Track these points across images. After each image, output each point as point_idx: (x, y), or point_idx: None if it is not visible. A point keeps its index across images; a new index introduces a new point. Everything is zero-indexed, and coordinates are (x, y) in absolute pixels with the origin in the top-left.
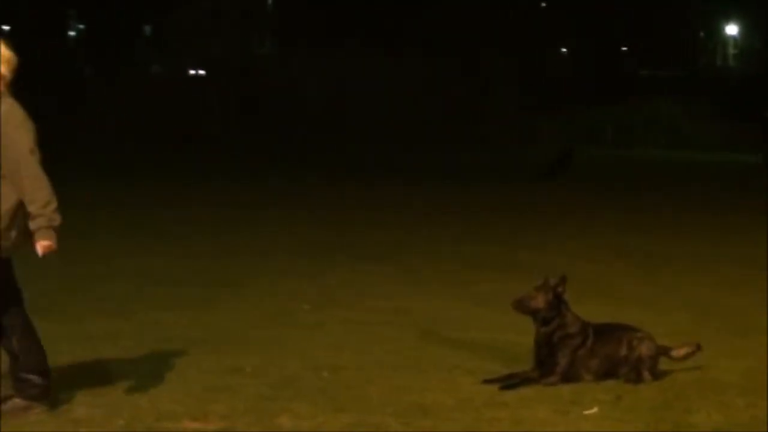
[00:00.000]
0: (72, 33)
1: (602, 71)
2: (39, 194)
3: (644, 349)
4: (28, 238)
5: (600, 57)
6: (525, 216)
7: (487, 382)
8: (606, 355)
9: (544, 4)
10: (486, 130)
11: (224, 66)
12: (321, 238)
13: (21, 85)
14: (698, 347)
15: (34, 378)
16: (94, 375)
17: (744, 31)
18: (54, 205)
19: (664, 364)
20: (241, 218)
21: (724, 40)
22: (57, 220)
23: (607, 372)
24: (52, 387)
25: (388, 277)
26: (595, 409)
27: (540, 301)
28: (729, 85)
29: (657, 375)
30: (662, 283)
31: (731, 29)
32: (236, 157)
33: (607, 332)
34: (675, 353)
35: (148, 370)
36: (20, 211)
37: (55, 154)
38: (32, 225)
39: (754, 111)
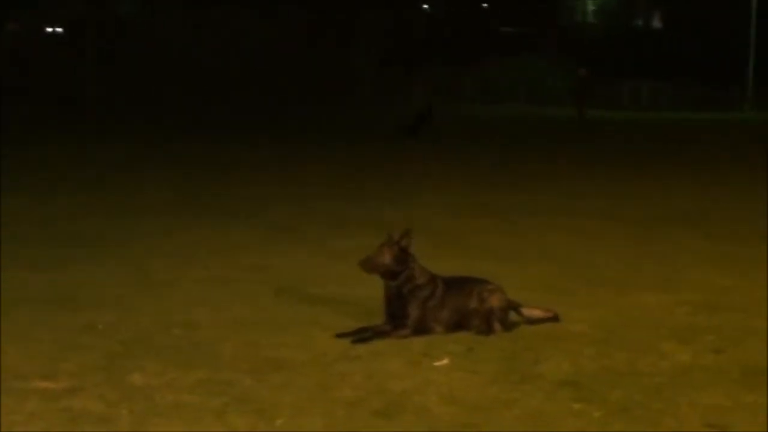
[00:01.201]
0: None
1: (464, 29)
2: None
3: (495, 301)
4: None
5: (461, 15)
6: (386, 173)
7: (340, 336)
8: (456, 306)
9: None
10: (349, 88)
11: (83, 24)
12: (181, 196)
13: None
14: (555, 317)
15: None
16: None
17: None
18: None
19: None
20: (101, 178)
21: None
22: None
23: (459, 324)
24: None
25: (248, 233)
26: (446, 361)
27: (386, 257)
28: (588, 41)
29: (508, 326)
30: (523, 236)
31: None
32: (98, 117)
33: (457, 284)
34: (526, 312)
35: None
36: None
37: None
38: None
39: (614, 66)
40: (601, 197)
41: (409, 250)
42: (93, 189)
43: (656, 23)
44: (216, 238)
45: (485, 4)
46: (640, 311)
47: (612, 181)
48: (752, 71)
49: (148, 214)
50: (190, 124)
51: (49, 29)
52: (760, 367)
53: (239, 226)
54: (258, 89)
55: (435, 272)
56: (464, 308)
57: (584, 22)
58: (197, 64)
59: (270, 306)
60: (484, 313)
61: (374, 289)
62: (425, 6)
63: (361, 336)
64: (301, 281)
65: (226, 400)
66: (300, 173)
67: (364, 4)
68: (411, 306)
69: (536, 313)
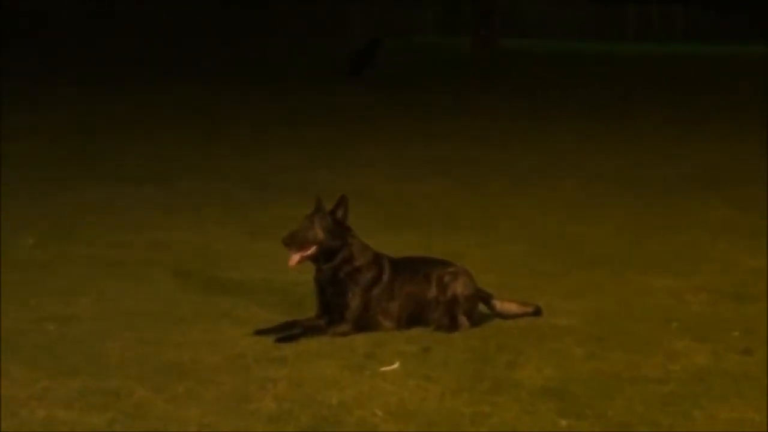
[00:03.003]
0: None
1: None
2: None
3: (459, 288)
4: None
5: None
6: (327, 124)
7: (260, 333)
8: (409, 295)
9: None
10: (280, 22)
11: None
12: (62, 152)
13: None
14: (536, 311)
15: None
16: None
17: None
18: None
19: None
20: None
21: None
22: None
23: (413, 317)
24: None
25: (146, 202)
26: (395, 365)
27: (318, 232)
28: None
29: (476, 320)
30: (493, 204)
31: None
32: None
33: (410, 267)
34: (499, 306)
35: None
36: None
37: None
38: None
39: None
40: (589, 156)
41: (345, 222)
42: None
43: None
44: (104, 207)
45: None
46: (644, 300)
47: (600, 136)
48: None
49: (17, 174)
50: (93, 63)
51: None
52: None
53: (134, 192)
54: (178, 25)
55: (380, 251)
56: (420, 297)
57: None
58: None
59: (170, 294)
60: (445, 303)
61: (303, 273)
62: None
63: (288, 333)
64: (210, 263)
65: (113, 416)
66: (214, 125)
67: None
68: (350, 294)
69: (512, 307)
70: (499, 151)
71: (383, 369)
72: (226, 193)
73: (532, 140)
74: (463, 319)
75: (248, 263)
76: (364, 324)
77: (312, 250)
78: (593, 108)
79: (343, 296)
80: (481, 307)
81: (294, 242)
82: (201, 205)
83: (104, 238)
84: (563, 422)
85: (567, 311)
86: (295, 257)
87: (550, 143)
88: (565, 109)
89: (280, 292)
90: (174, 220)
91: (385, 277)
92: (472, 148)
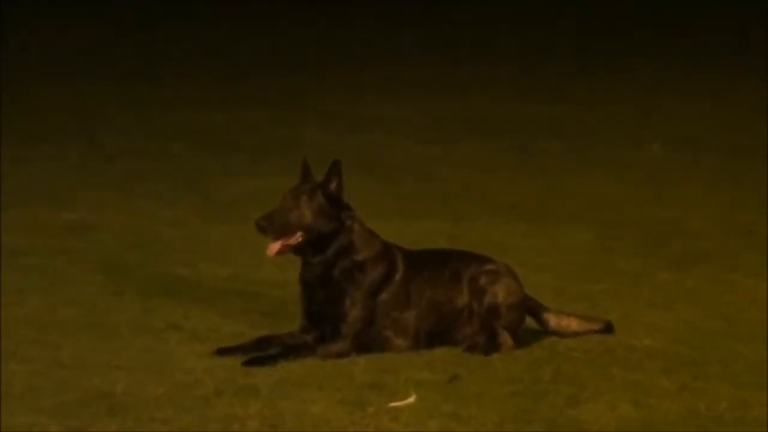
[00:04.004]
0: None
1: None
2: None
3: (501, 293)
4: None
5: None
6: (315, 65)
7: (223, 352)
8: (431, 302)
9: None
10: None
11: None
12: None
13: None
14: (607, 326)
15: None
16: None
17: None
18: None
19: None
20: None
21: None
22: None
23: (436, 333)
24: None
25: (65, 169)
26: (411, 399)
27: (305, 212)
28: None
29: (523, 339)
30: (548, 178)
31: None
32: None
33: (432, 263)
34: (555, 320)
35: None
36: None
37: None
38: None
39: None
40: (679, 113)
41: (341, 198)
42: None
43: None
44: (7, 176)
45: None
46: (755, 313)
47: (695, 86)
48: None
49: None
50: None
51: None
52: None
53: (48, 156)
54: None
55: (391, 241)
56: (445, 306)
57: None
58: None
59: (98, 297)
60: (481, 315)
61: (284, 270)
62: None
63: (261, 354)
64: (152, 254)
65: None
66: (157, 65)
67: None
68: (349, 300)
69: (572, 322)
70: (555, 104)
71: (393, 404)
72: (174, 158)
73: (600, 90)
74: (505, 337)
75: (205, 255)
76: (368, 341)
77: (297, 237)
78: (685, 48)
79: (339, 302)
80: (530, 321)
81: (272, 226)
82: (139, 173)
83: (14, 221)
84: None
85: (649, 327)
86: (274, 247)
87: (625, 94)
88: (646, 49)
89: (250, 295)
90: (102, 193)
91: (398, 276)
92: (519, 100)
